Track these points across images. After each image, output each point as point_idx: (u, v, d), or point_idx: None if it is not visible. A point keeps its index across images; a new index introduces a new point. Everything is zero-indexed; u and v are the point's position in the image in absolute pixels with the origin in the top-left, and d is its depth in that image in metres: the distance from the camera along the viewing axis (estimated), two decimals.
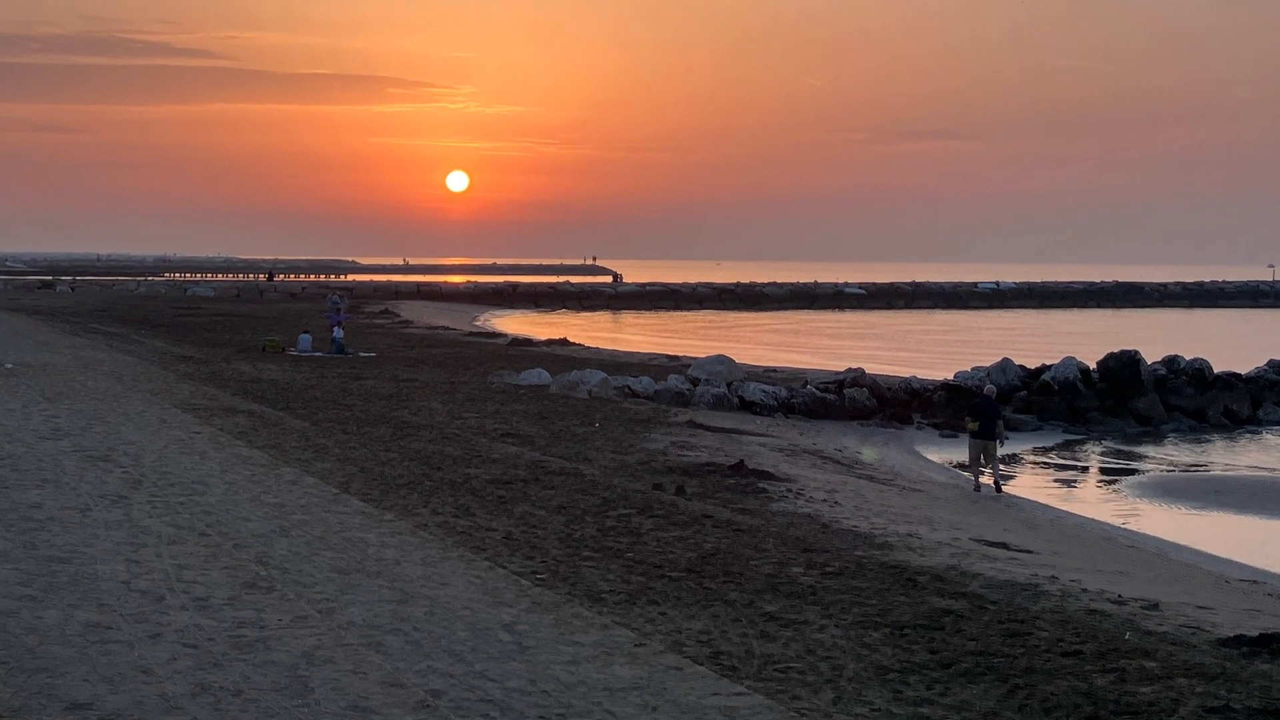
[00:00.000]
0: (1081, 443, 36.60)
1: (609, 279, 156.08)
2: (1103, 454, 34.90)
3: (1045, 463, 33.01)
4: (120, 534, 15.20)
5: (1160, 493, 28.27)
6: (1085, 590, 14.67)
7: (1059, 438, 37.16)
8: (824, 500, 21.13)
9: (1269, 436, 39.00)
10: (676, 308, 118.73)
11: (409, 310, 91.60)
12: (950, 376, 40.98)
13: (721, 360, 41.66)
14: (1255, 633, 12.47)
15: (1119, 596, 14.42)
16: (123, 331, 57.76)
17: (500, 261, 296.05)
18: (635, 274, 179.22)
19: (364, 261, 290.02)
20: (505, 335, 67.33)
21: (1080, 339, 74.57)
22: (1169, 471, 31.86)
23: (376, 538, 15.51)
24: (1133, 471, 31.81)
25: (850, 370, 40.08)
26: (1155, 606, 13.97)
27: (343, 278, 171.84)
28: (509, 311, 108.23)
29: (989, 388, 29.66)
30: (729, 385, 37.55)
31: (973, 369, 41.37)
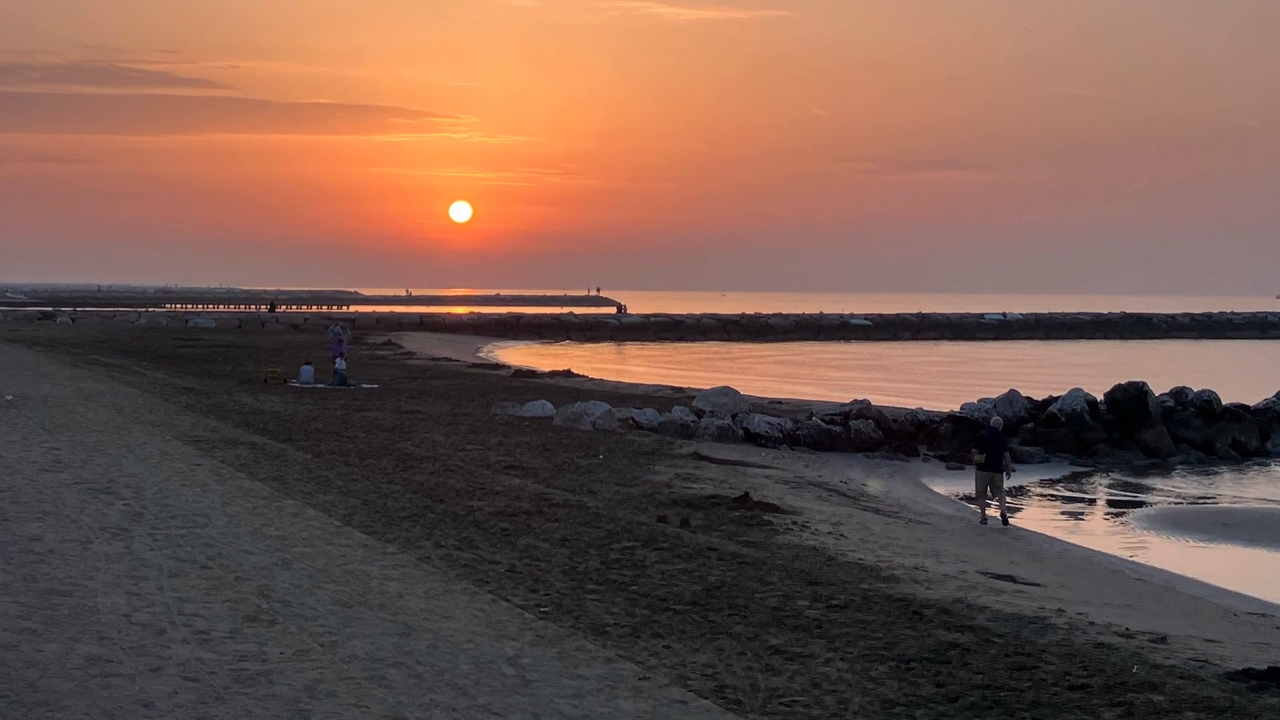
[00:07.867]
0: (1089, 475, 36.49)
1: (613, 310, 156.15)
2: (1110, 486, 34.79)
3: (1052, 495, 32.90)
4: (121, 566, 15.14)
5: (1168, 525, 28.16)
6: (1092, 623, 14.58)
7: (1066, 470, 37.05)
8: (829, 533, 21.03)
9: (1277, 469, 38.89)
10: (681, 339, 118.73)
11: (412, 342, 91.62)
12: (956, 408, 40.87)
13: (726, 392, 41.58)
14: (1264, 666, 12.39)
15: (1126, 630, 14.32)
16: (124, 363, 57.73)
17: (503, 292, 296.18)
18: (639, 305, 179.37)
19: (367, 292, 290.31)
20: (509, 367, 67.28)
21: (1087, 370, 74.42)
22: (1177, 504, 31.74)
23: (379, 570, 15.44)
24: (1140, 504, 31.70)
25: (856, 402, 40.02)
26: (1163, 640, 13.87)
27: (345, 309, 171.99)
28: (512, 343, 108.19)
29: (995, 419, 29.55)
30: (734, 417, 37.48)
31: (979, 401, 41.27)
